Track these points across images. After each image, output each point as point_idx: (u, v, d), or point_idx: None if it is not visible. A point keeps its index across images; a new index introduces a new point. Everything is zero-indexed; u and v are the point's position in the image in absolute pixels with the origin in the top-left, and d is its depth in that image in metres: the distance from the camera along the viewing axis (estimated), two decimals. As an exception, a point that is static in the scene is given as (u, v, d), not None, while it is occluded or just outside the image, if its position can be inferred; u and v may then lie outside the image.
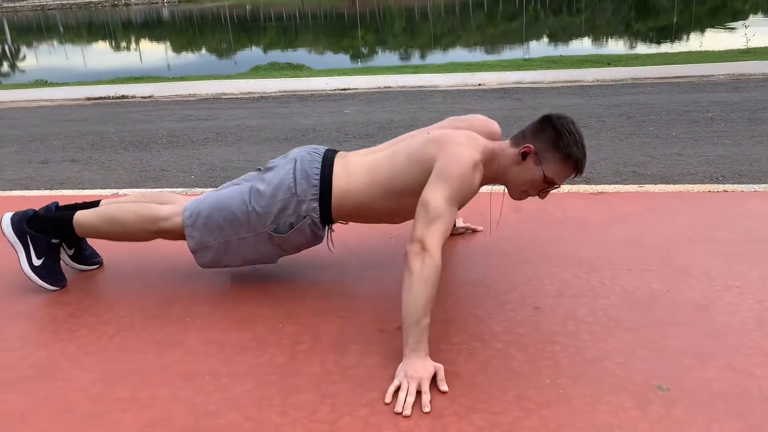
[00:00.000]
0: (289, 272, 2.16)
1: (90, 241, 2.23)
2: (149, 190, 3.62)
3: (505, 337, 1.72)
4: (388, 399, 1.47)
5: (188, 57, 17.64)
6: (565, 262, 2.16)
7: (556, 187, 1.90)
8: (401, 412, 1.42)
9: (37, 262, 2.03)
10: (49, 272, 2.05)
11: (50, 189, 3.83)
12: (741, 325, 1.73)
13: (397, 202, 1.90)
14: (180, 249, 2.07)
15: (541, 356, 1.63)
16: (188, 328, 1.83)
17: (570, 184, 3.44)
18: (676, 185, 3.04)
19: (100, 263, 2.25)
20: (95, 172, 4.38)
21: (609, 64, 8.89)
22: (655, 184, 3.40)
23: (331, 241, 2.06)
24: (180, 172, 4.24)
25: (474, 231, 2.47)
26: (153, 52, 19.06)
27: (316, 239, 1.98)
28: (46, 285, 2.04)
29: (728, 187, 2.87)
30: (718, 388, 1.48)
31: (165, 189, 3.55)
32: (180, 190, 3.31)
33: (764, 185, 2.89)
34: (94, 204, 2.09)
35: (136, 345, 1.76)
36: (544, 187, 1.86)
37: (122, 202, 2.07)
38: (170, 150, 4.97)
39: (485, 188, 2.89)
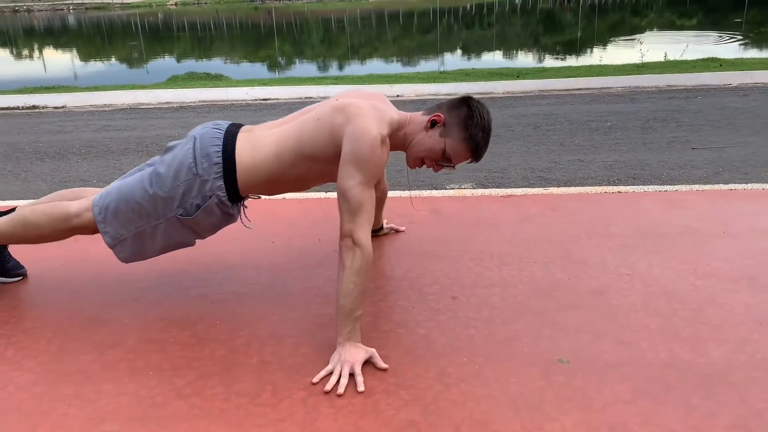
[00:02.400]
0: (223, 273, 2.26)
1: (14, 252, 2.24)
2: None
3: (427, 324, 1.90)
4: (315, 380, 1.62)
5: (98, 66, 17.03)
6: (479, 257, 2.37)
7: (451, 168, 1.97)
8: (332, 390, 1.57)
9: None
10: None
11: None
12: (630, 307, 1.99)
13: (307, 168, 1.90)
14: (108, 252, 2.12)
15: (459, 339, 1.82)
16: (126, 328, 1.91)
17: (482, 187, 3.70)
18: (576, 188, 3.34)
19: (24, 274, 2.26)
20: (11, 183, 4.28)
21: (518, 77, 9.37)
22: (559, 186, 3.71)
23: (246, 217, 2.10)
24: (102, 182, 4.20)
25: (397, 231, 2.65)
26: (60, 60, 18.25)
27: (228, 218, 1.97)
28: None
29: (622, 188, 3.18)
30: (610, 359, 1.71)
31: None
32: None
33: (653, 186, 3.23)
34: (11, 211, 2.09)
35: (76, 346, 1.81)
36: (441, 160, 1.93)
37: (36, 203, 2.06)
38: (89, 160, 4.90)
39: (406, 193, 3.08)
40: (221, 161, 1.88)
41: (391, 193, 2.82)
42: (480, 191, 3.24)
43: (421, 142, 1.94)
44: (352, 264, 1.70)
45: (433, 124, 1.93)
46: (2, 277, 2.20)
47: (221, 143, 1.90)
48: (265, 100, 7.97)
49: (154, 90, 8.79)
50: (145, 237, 1.94)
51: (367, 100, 1.92)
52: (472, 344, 1.79)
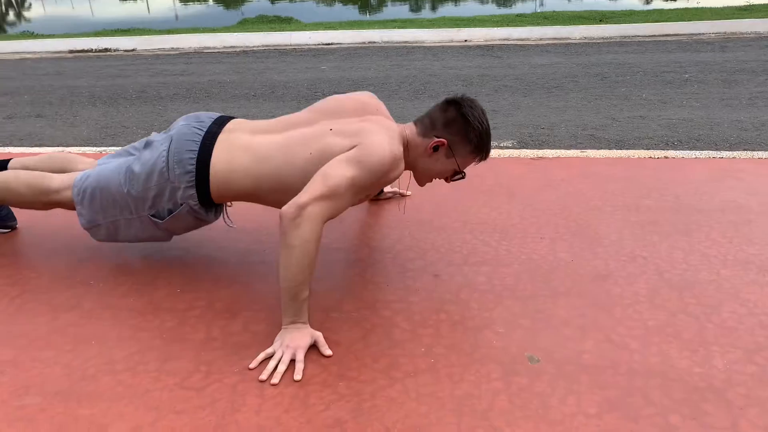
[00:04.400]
0: (208, 233, 2.16)
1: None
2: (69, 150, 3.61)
3: (396, 305, 1.73)
4: (252, 365, 1.49)
5: (197, 8, 17.33)
6: (479, 229, 2.15)
7: (462, 177, 1.85)
8: (267, 379, 1.45)
9: None
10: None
11: (5, 145, 3.83)
12: (633, 297, 1.74)
13: (288, 197, 1.61)
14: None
15: (425, 324, 1.64)
16: (90, 291, 1.85)
17: (521, 146, 3.41)
18: (618, 150, 3.01)
19: (14, 227, 2.25)
20: (58, 128, 4.37)
21: (600, 21, 8.70)
22: (609, 149, 3.37)
23: (229, 217, 2.01)
24: (140, 129, 4.22)
25: (402, 195, 2.46)
26: (162, 1, 18.62)
27: (203, 222, 1.87)
28: (-41, 247, 2.06)
29: (670, 153, 2.84)
30: (587, 361, 1.49)
31: (109, 148, 3.53)
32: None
33: (705, 152, 2.86)
34: (4, 162, 2.08)
35: (34, 307, 1.78)
36: (453, 176, 1.83)
37: (25, 165, 2.04)
38: (137, 106, 4.93)
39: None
40: (194, 170, 1.74)
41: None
42: (508, 152, 2.97)
43: (427, 168, 1.81)
44: (297, 241, 1.50)
45: (435, 148, 1.75)
46: (-7, 228, 2.20)
47: (197, 148, 1.75)
48: (328, 44, 7.80)
49: (221, 34, 8.78)
50: (119, 227, 1.88)
51: (367, 122, 1.73)
52: (437, 332, 1.61)
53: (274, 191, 1.73)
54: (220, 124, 1.83)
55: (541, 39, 7.52)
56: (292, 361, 1.50)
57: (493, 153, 2.97)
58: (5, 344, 1.62)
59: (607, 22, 8.53)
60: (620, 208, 2.28)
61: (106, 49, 8.11)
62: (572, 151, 2.98)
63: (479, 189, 2.50)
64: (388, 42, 7.80)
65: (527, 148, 3.36)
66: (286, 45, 7.83)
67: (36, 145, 3.87)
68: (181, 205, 1.78)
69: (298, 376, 1.45)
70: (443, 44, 7.54)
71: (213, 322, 1.69)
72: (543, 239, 2.07)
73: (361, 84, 5.33)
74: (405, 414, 1.34)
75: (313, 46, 7.72)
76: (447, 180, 1.85)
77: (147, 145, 1.86)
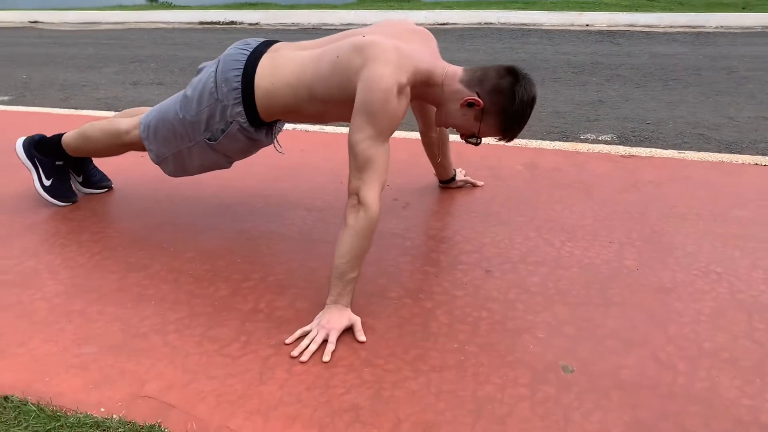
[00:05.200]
0: (276, 209, 2.25)
1: (101, 166, 2.43)
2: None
3: (439, 297, 1.72)
4: (288, 340, 1.54)
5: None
6: (546, 227, 2.08)
7: (477, 143, 1.82)
8: (297, 357, 1.49)
9: (47, 183, 2.26)
10: (58, 191, 2.28)
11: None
12: (694, 314, 1.62)
13: (323, 107, 1.77)
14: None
15: (464, 320, 1.62)
16: (160, 254, 1.98)
17: (621, 141, 3.24)
18: (720, 154, 2.78)
19: (110, 187, 2.45)
20: (157, 93, 4.65)
21: (744, 9, 7.99)
22: (717, 151, 3.12)
23: (278, 143, 2.03)
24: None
25: (474, 185, 2.42)
26: None
27: (256, 143, 1.92)
28: (56, 202, 2.27)
29: (779, 161, 2.58)
30: (625, 377, 1.41)
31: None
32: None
33: (823, 162, 2.57)
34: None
35: (109, 265, 1.93)
36: (470, 137, 1.81)
37: (100, 119, 2.20)
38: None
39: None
40: (240, 86, 1.80)
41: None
42: (599, 147, 2.83)
43: (453, 115, 1.78)
44: (355, 224, 1.57)
45: (470, 104, 1.72)
46: (89, 188, 2.40)
47: (242, 67, 1.81)
48: (443, 24, 7.73)
49: (340, 11, 8.94)
50: (183, 157, 1.98)
51: (396, 39, 1.71)
52: (475, 330, 1.58)
53: (309, 101, 1.78)
54: (266, 44, 1.89)
55: (671, 26, 7.04)
56: (325, 341, 1.54)
57: (581, 146, 2.85)
58: (78, 296, 1.77)
59: (750, 10, 7.83)
60: (706, 217, 2.12)
61: (233, 22, 8.51)
62: (669, 151, 2.79)
63: (557, 183, 2.41)
64: (505, 24, 7.62)
65: (624, 145, 3.18)
66: (401, 24, 7.85)
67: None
68: (231, 123, 1.84)
69: (326, 357, 1.49)
70: (562, 28, 7.25)
71: (262, 295, 1.75)
72: (612, 243, 1.97)
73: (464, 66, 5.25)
74: (421, 408, 1.34)
75: (428, 26, 7.67)
76: (462, 137, 1.83)
77: (198, 72, 1.94)
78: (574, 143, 2.94)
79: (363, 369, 1.46)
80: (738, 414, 1.30)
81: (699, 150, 3.03)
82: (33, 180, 2.24)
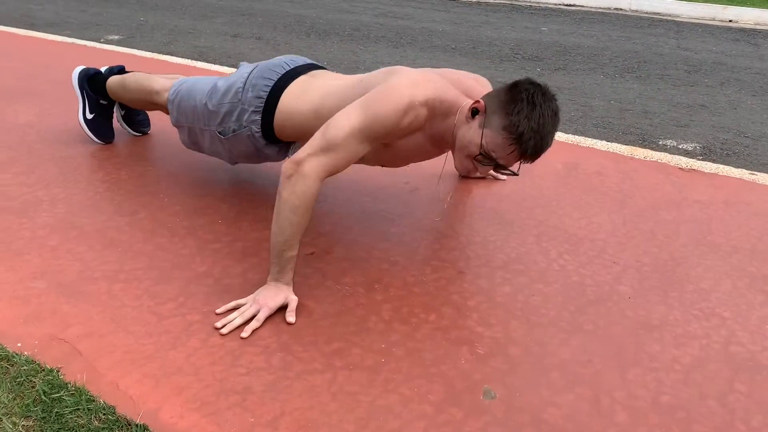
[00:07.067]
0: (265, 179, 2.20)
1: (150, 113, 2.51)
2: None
3: (395, 291, 1.61)
4: (219, 310, 1.50)
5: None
6: (549, 234, 1.89)
7: (509, 171, 1.59)
8: (220, 328, 1.45)
9: (89, 116, 2.36)
10: (98, 127, 2.37)
11: (206, 61, 4.26)
12: (668, 362, 1.40)
13: None
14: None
15: (406, 321, 1.50)
16: (153, 203, 2.00)
17: (705, 153, 2.90)
18: (800, 181, 2.38)
19: (146, 132, 2.52)
20: (262, 51, 4.73)
21: None
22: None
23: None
24: (330, 66, 4.39)
25: (496, 178, 2.25)
26: None
27: (263, 155, 1.92)
28: (93, 137, 2.38)
29: None
30: (548, 417, 1.24)
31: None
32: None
33: None
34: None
35: (103, 206, 1.98)
36: (479, 156, 1.54)
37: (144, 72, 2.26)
38: (343, 44, 5.12)
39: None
40: (265, 96, 1.81)
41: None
42: (658, 155, 2.54)
43: (461, 135, 1.58)
44: (290, 198, 1.48)
45: (474, 112, 1.55)
46: (127, 125, 2.48)
47: (275, 79, 1.82)
48: (570, 5, 7.29)
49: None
50: (195, 134, 2.01)
51: (425, 70, 1.65)
52: (412, 332, 1.46)
53: None
54: (310, 67, 1.88)
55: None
56: (254, 318, 1.48)
57: (639, 152, 2.56)
58: (60, 232, 1.82)
59: None
60: (743, 251, 1.83)
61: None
62: (740, 170, 2.43)
63: (590, 189, 2.18)
64: (636, 11, 7.05)
65: (707, 157, 2.82)
66: (522, 2, 7.47)
67: (233, 66, 4.25)
68: (245, 127, 1.85)
69: (245, 334, 1.43)
70: (701, 21, 6.59)
71: (221, 259, 1.73)
72: (615, 264, 1.75)
73: (568, 51, 4.91)
74: (311, 405, 1.25)
75: (552, 6, 7.26)
76: (478, 168, 1.58)
77: (238, 67, 1.96)
78: (632, 147, 2.64)
79: (276, 353, 1.39)
80: (659, 486, 1.11)
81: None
82: (78, 109, 2.35)
